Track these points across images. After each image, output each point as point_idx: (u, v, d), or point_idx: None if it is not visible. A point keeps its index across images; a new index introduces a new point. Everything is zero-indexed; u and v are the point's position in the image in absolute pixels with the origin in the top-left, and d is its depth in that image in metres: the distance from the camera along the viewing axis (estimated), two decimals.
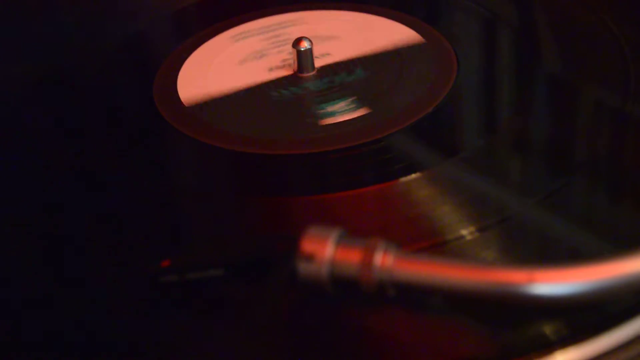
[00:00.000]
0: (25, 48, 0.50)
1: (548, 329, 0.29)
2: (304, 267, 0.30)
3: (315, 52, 0.45)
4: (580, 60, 0.44)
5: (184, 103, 0.43)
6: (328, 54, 0.46)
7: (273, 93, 0.44)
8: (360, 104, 0.42)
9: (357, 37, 0.48)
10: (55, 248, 0.36)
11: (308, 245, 0.30)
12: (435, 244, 0.34)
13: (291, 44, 0.45)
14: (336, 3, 0.52)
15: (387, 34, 0.48)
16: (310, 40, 0.45)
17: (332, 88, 0.44)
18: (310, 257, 0.30)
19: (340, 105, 0.42)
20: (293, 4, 0.52)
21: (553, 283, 0.28)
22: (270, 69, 0.45)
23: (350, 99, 0.43)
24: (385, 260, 0.30)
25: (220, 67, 0.46)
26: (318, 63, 0.46)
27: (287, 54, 0.47)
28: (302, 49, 0.45)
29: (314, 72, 0.45)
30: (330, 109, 0.42)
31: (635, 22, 0.46)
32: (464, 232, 0.34)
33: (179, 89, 0.44)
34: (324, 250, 0.30)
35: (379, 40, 0.47)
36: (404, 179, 0.37)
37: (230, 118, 0.42)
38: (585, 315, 0.30)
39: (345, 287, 0.30)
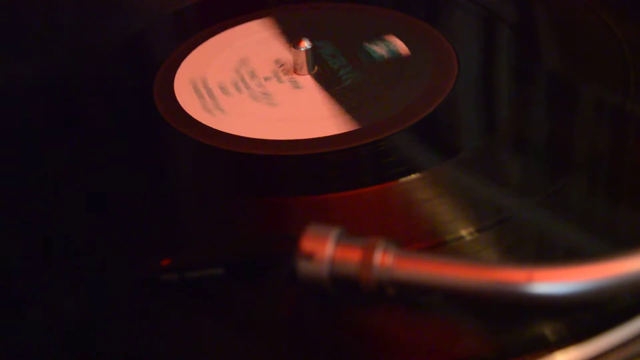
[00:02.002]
0: (25, 48, 0.50)
1: (548, 329, 0.29)
2: (303, 266, 0.30)
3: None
4: (580, 60, 0.44)
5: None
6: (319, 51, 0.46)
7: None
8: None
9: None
10: (55, 248, 0.36)
11: (308, 244, 0.30)
12: (434, 244, 0.34)
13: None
14: (314, 3, 0.52)
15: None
16: (309, 40, 0.45)
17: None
18: (309, 256, 0.30)
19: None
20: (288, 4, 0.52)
21: (552, 282, 0.28)
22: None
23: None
24: (385, 259, 0.30)
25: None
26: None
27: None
28: (302, 49, 0.45)
29: (314, 72, 0.45)
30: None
31: (635, 22, 0.46)
32: (464, 232, 0.34)
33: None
34: (324, 249, 0.30)
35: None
36: (403, 180, 0.37)
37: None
38: (585, 315, 0.30)
39: (344, 286, 0.30)
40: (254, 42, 0.48)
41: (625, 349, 0.29)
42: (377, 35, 0.47)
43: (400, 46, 0.45)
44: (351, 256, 0.30)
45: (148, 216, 0.37)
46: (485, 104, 0.43)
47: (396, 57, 0.45)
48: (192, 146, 0.41)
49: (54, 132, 0.43)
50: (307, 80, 0.45)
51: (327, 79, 0.44)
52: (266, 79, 0.45)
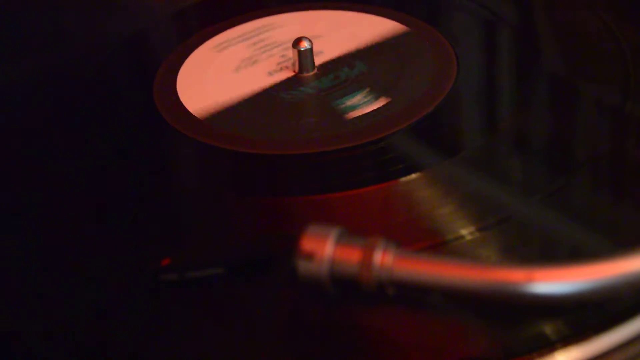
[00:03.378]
0: (25, 48, 0.50)
1: (548, 329, 0.29)
2: (303, 266, 0.30)
3: None
4: (580, 60, 0.44)
5: (197, 116, 0.43)
6: (321, 52, 0.46)
7: (284, 95, 0.44)
8: (376, 93, 0.43)
9: (341, 34, 0.48)
10: (56, 247, 0.36)
11: (308, 243, 0.30)
12: (435, 244, 0.34)
13: (278, 46, 0.46)
14: (309, 4, 0.52)
15: (369, 28, 0.48)
16: (310, 40, 0.45)
17: (341, 83, 0.44)
18: (310, 256, 0.30)
19: (358, 97, 0.43)
20: (287, 4, 0.52)
21: (552, 282, 0.28)
22: (270, 73, 0.45)
23: (365, 91, 0.43)
24: (385, 259, 0.30)
25: (217, 77, 0.46)
26: (316, 62, 0.46)
27: (280, 57, 0.46)
28: (303, 49, 0.45)
29: (315, 71, 0.45)
30: (349, 102, 0.42)
31: (635, 22, 0.46)
32: (464, 232, 0.34)
33: (185, 102, 0.44)
34: (324, 249, 0.30)
35: (365, 35, 0.48)
36: (404, 179, 0.37)
37: (247, 124, 0.42)
38: (586, 315, 0.30)
39: (344, 286, 0.30)
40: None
41: (625, 349, 0.29)
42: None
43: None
44: (351, 256, 0.30)
45: (148, 216, 0.37)
46: (485, 103, 0.43)
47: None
48: (192, 146, 0.41)
49: (54, 132, 0.43)
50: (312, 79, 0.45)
51: (324, 80, 0.45)
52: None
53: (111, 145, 0.42)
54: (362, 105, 0.42)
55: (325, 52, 0.46)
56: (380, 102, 0.42)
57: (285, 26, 0.50)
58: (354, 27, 0.49)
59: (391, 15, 0.49)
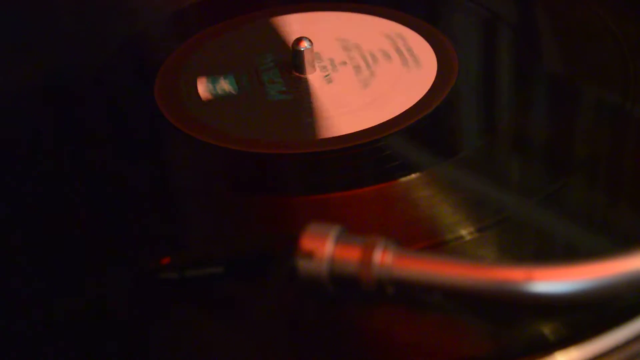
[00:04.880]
0: (25, 48, 0.50)
1: (548, 329, 0.29)
2: (303, 265, 0.30)
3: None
4: (580, 60, 0.44)
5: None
6: (319, 52, 0.46)
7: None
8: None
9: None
10: (56, 247, 0.36)
11: (307, 242, 0.30)
12: (434, 244, 0.34)
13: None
14: (307, 5, 0.52)
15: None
16: (310, 40, 0.45)
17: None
18: (309, 255, 0.30)
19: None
20: (286, 5, 0.52)
21: (551, 281, 0.28)
22: (270, 75, 0.45)
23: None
24: (385, 258, 0.30)
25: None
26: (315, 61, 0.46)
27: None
28: (303, 49, 0.45)
29: (315, 71, 0.45)
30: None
31: (635, 22, 0.46)
32: (464, 232, 0.34)
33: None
34: (324, 248, 0.30)
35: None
36: (403, 179, 0.37)
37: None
38: (585, 315, 0.30)
39: (344, 285, 0.30)
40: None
41: (625, 349, 0.29)
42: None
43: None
44: (351, 255, 0.30)
45: (148, 215, 0.37)
46: (485, 103, 0.43)
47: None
48: (193, 145, 0.41)
49: (54, 132, 0.43)
50: (311, 79, 0.45)
51: (327, 79, 0.45)
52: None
53: (112, 145, 0.42)
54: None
55: (323, 52, 0.46)
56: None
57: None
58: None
59: (390, 15, 0.49)
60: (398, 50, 0.46)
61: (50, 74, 0.48)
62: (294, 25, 0.50)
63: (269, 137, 0.40)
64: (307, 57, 0.45)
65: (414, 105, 0.42)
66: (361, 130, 0.40)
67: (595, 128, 0.40)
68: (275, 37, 0.49)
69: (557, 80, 0.43)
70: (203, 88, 0.44)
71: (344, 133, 0.40)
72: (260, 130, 0.41)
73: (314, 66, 0.45)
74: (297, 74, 0.45)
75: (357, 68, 0.45)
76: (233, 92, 0.44)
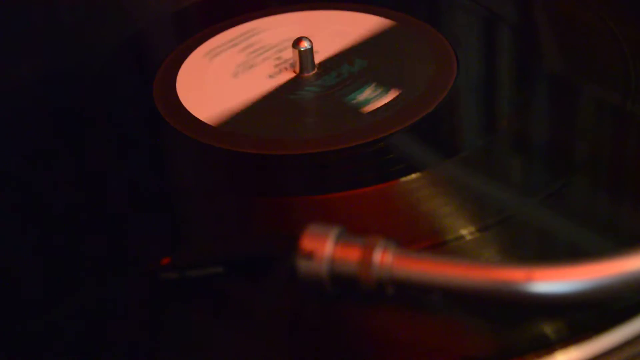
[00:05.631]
0: (25, 48, 0.50)
1: (548, 329, 0.29)
2: (303, 265, 0.30)
3: None
4: (580, 60, 0.44)
5: (210, 124, 0.42)
6: (317, 52, 0.46)
7: (291, 96, 0.44)
8: (385, 86, 0.43)
9: (333, 33, 0.48)
10: (56, 247, 0.36)
11: (308, 243, 0.30)
12: (435, 243, 0.33)
13: (270, 49, 0.46)
14: (288, 6, 0.52)
15: (362, 25, 0.48)
16: (310, 40, 0.45)
17: (346, 80, 0.44)
18: (309, 255, 0.30)
19: (368, 92, 0.43)
20: (272, 7, 0.52)
21: (552, 282, 0.28)
22: (271, 76, 0.45)
23: (372, 85, 0.43)
24: (385, 258, 0.30)
25: (218, 83, 0.45)
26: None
27: (275, 59, 0.46)
28: (303, 49, 0.45)
29: (315, 71, 0.45)
30: (360, 97, 0.42)
31: (635, 22, 0.46)
32: (464, 232, 0.34)
33: (192, 111, 0.43)
34: (324, 248, 0.30)
35: (358, 32, 0.48)
36: (404, 179, 0.37)
37: (261, 127, 0.42)
38: (585, 315, 0.29)
39: (344, 285, 0.30)
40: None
41: (625, 349, 0.29)
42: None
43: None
44: (351, 255, 0.30)
45: (148, 215, 0.37)
46: (485, 103, 0.43)
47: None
48: (192, 146, 0.41)
49: (54, 132, 0.43)
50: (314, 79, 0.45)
51: (327, 78, 0.45)
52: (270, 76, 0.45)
53: (111, 145, 0.42)
54: (375, 98, 0.42)
55: (321, 51, 0.46)
56: (392, 94, 0.42)
57: (272, 29, 0.49)
58: (345, 25, 0.49)
59: (393, 16, 0.49)
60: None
61: (50, 74, 0.47)
62: (292, 24, 0.50)
63: (269, 137, 0.40)
64: (307, 57, 0.45)
65: (414, 104, 0.41)
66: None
67: (596, 128, 0.40)
68: (274, 37, 0.48)
69: (557, 80, 0.43)
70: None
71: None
72: (265, 130, 0.41)
73: (314, 66, 0.45)
74: (299, 74, 0.45)
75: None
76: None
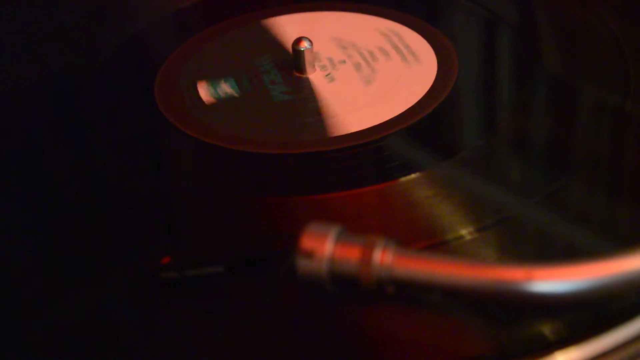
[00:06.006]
0: (25, 48, 0.50)
1: (548, 329, 0.29)
2: (303, 264, 0.30)
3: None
4: (580, 60, 0.44)
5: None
6: (317, 52, 0.46)
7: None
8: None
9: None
10: (56, 246, 0.36)
11: (307, 242, 0.30)
12: (434, 243, 0.34)
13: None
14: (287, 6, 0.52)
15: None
16: (309, 40, 0.45)
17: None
18: (309, 254, 0.30)
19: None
20: (281, 6, 0.52)
21: (551, 281, 0.28)
22: (271, 76, 0.45)
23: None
24: (385, 258, 0.30)
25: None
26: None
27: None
28: (303, 49, 0.45)
29: (315, 71, 0.45)
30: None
31: (635, 22, 0.46)
32: (464, 232, 0.34)
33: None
34: (324, 247, 0.30)
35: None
36: (403, 179, 0.37)
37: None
38: (585, 315, 0.30)
39: (344, 284, 0.30)
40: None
41: (625, 349, 0.29)
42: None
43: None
44: (351, 254, 0.30)
45: (148, 215, 0.37)
46: (485, 103, 0.43)
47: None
48: (193, 145, 0.41)
49: (54, 132, 0.43)
50: (310, 80, 0.45)
51: (328, 77, 0.45)
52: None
53: (112, 145, 0.42)
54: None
55: (321, 51, 0.46)
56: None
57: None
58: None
59: (385, 14, 0.49)
60: (395, 47, 0.46)
61: (50, 74, 0.47)
62: (289, 25, 0.50)
63: (273, 138, 0.40)
64: (308, 57, 0.45)
65: (414, 105, 0.42)
66: (366, 129, 0.40)
67: (596, 128, 0.40)
68: (271, 38, 0.48)
69: (557, 80, 0.43)
70: (204, 91, 0.44)
71: (353, 131, 0.40)
72: (265, 131, 0.41)
73: (314, 66, 0.45)
74: (298, 74, 0.45)
75: (357, 66, 0.45)
76: (235, 94, 0.44)
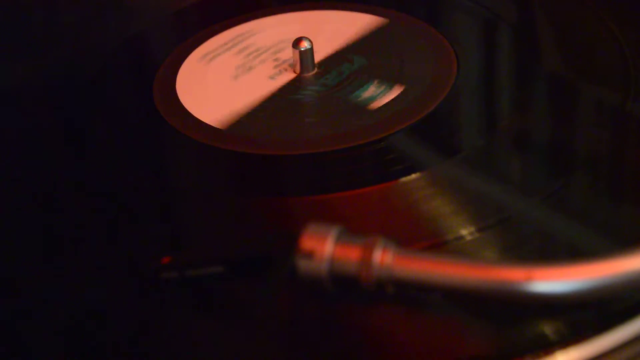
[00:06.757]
0: (25, 48, 0.50)
1: (548, 329, 0.29)
2: (303, 264, 0.30)
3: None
4: (580, 60, 0.44)
5: (219, 127, 0.42)
6: (316, 52, 0.46)
7: (296, 96, 0.44)
8: (388, 83, 0.43)
9: (327, 32, 0.48)
10: (56, 246, 0.36)
11: (308, 242, 0.30)
12: (435, 243, 0.33)
13: (266, 51, 0.46)
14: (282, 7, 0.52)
15: (357, 24, 0.49)
16: (310, 40, 0.45)
17: (348, 78, 0.44)
18: (309, 254, 0.30)
19: (372, 89, 0.43)
20: (265, 9, 0.52)
21: (552, 281, 0.28)
22: (272, 77, 0.45)
23: (375, 82, 0.43)
24: (385, 258, 0.30)
25: (219, 85, 0.45)
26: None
27: (273, 61, 0.46)
28: (303, 49, 0.45)
29: (315, 71, 0.45)
30: (365, 94, 0.43)
31: (635, 22, 0.46)
32: (464, 232, 0.34)
33: (193, 113, 0.43)
34: (324, 248, 0.30)
35: (353, 31, 0.48)
36: (404, 179, 0.37)
37: (264, 127, 0.42)
38: (586, 315, 0.29)
39: (344, 285, 0.30)
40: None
41: (625, 349, 0.29)
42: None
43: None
44: (351, 254, 0.30)
45: (148, 215, 0.37)
46: (485, 103, 0.43)
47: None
48: (192, 146, 0.41)
49: (53, 132, 0.43)
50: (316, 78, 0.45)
51: (328, 77, 0.45)
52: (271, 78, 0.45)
53: (111, 145, 0.42)
54: (380, 95, 0.42)
55: (320, 51, 0.46)
56: (397, 90, 0.42)
57: (265, 31, 0.49)
58: (343, 25, 0.49)
59: (393, 16, 0.49)
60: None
61: (50, 74, 0.47)
62: (289, 24, 0.50)
63: (273, 138, 0.40)
64: (308, 57, 0.45)
65: (414, 105, 0.41)
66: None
67: (596, 128, 0.40)
68: (271, 38, 0.48)
69: (557, 80, 0.43)
70: None
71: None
72: (266, 131, 0.41)
73: (314, 66, 0.45)
74: (298, 74, 0.45)
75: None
76: None
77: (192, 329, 0.31)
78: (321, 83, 0.44)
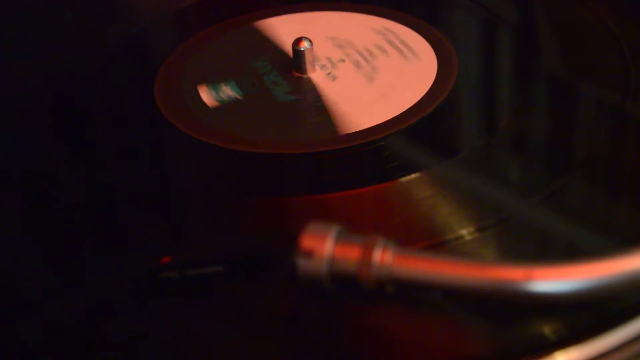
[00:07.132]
0: (25, 48, 0.50)
1: (548, 329, 0.29)
2: (303, 264, 0.30)
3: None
4: (580, 60, 0.44)
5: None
6: (316, 52, 0.46)
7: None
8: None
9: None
10: (56, 246, 0.36)
11: (307, 241, 0.30)
12: (434, 243, 0.34)
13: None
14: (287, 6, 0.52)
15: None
16: (309, 40, 0.45)
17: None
18: (309, 254, 0.30)
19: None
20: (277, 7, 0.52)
21: (551, 281, 0.28)
22: (271, 77, 0.45)
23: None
24: (384, 257, 0.30)
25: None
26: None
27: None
28: (303, 49, 0.45)
29: (315, 71, 0.45)
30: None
31: (635, 22, 0.46)
32: (464, 232, 0.34)
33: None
34: (323, 247, 0.30)
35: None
36: (403, 179, 0.37)
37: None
38: (585, 315, 0.30)
39: (344, 284, 0.30)
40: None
41: (625, 349, 0.29)
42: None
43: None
44: (350, 254, 0.30)
45: (148, 215, 0.37)
46: (485, 103, 0.43)
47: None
48: (193, 145, 0.41)
49: (54, 132, 0.43)
50: (309, 80, 0.45)
51: (330, 76, 0.45)
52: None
53: (111, 145, 0.42)
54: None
55: (318, 51, 0.46)
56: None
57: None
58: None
59: (393, 16, 0.49)
60: (392, 44, 0.46)
61: (50, 74, 0.47)
62: (283, 26, 0.50)
63: (274, 138, 0.40)
64: (308, 57, 0.45)
65: (414, 105, 0.42)
66: (366, 129, 0.40)
67: (595, 128, 0.40)
68: (267, 39, 0.48)
69: (557, 80, 0.43)
70: (206, 94, 0.44)
71: (358, 129, 0.40)
72: (268, 131, 0.41)
73: (314, 66, 0.45)
74: (299, 74, 0.45)
75: (356, 64, 0.45)
76: (238, 97, 0.44)
77: (192, 329, 0.31)
78: (319, 83, 0.44)
